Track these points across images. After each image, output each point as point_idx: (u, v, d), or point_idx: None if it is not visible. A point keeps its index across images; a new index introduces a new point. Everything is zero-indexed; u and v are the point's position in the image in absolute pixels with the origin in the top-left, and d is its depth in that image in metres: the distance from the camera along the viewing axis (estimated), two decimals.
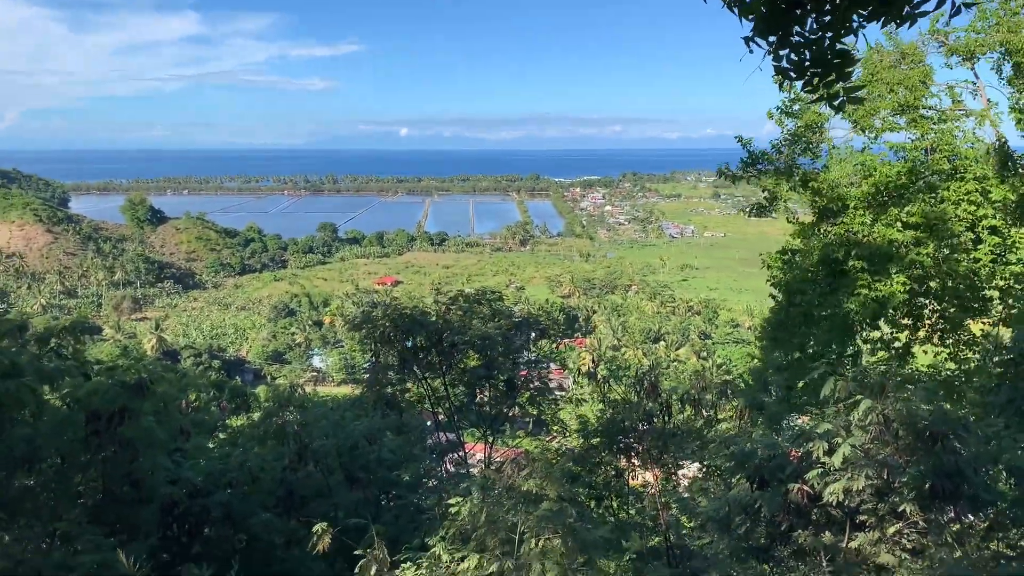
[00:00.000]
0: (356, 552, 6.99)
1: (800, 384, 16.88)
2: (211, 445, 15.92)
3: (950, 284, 16.66)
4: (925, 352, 18.32)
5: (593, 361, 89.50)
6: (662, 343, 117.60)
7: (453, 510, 7.38)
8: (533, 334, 20.15)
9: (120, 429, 10.33)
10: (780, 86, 17.65)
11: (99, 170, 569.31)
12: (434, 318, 18.63)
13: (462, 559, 6.44)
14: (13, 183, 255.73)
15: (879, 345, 17.72)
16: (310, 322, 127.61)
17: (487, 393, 19.36)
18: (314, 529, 7.62)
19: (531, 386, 19.57)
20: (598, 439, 15.11)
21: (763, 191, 18.86)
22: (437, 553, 6.64)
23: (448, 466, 17.25)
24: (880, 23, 4.60)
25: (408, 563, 6.73)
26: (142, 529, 11.02)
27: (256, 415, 21.01)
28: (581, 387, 73.29)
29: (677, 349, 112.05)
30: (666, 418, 14.94)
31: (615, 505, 15.35)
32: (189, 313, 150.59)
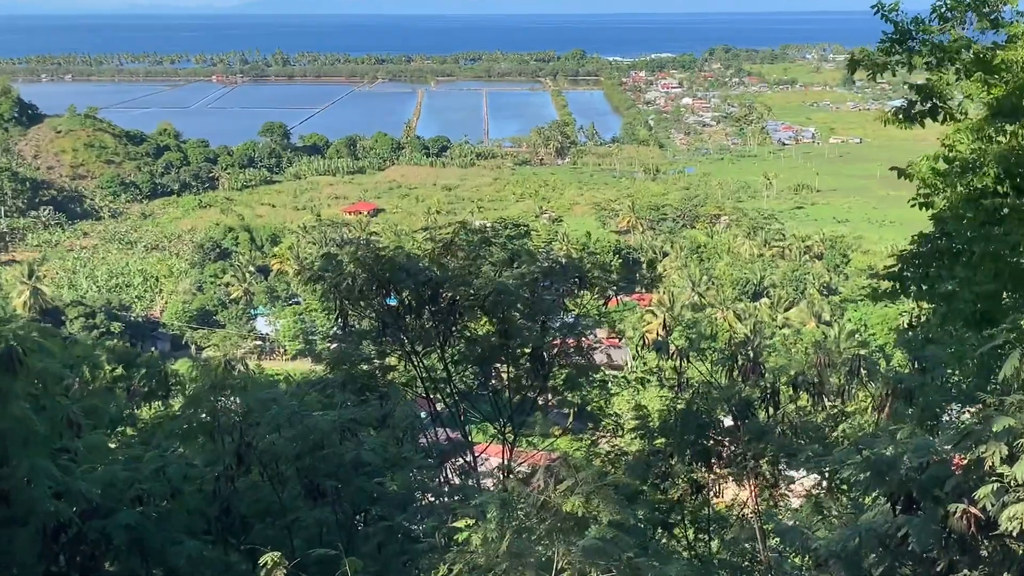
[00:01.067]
0: None
1: (967, 360, 16.71)
2: (113, 444, 16.18)
3: None
4: None
5: (663, 326, 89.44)
6: (765, 300, 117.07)
7: (461, 537, 7.49)
8: (573, 286, 20.06)
9: None
10: None
11: None
12: (426, 264, 18.60)
13: None
14: None
15: None
16: (251, 268, 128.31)
17: (505, 372, 19.41)
18: (262, 560, 7.77)
19: (569, 362, 19.59)
20: (667, 440, 15.17)
21: (911, 87, 18.37)
22: None
23: (451, 474, 17.37)
24: None
25: None
26: (16, 561, 11.24)
27: (178, 402, 21.30)
28: (644, 364, 73.50)
29: (787, 310, 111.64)
30: (771, 409, 14.99)
31: (691, 534, 15.50)
32: (76, 254, 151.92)
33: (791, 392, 15.70)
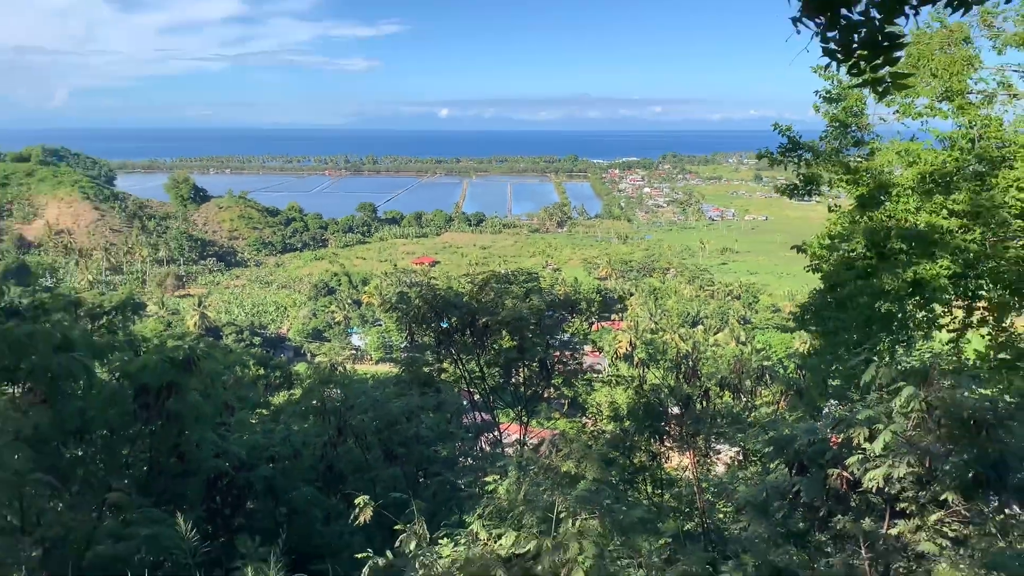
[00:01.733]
0: (396, 527, 7.10)
1: (839, 370, 16.68)
2: (254, 421, 16.24)
3: (999, 270, 16.26)
4: (969, 341, 17.97)
5: (630, 344, 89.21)
6: (700, 327, 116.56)
7: (490, 488, 7.46)
8: (567, 315, 20.16)
9: (167, 403, 10.60)
10: (824, 69, 17.34)
11: (144, 148, 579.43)
12: (467, 299, 18.75)
13: (500, 536, 6.51)
14: (62, 161, 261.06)
15: (921, 331, 17.43)
16: (349, 301, 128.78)
17: (521, 374, 19.45)
18: (356, 501, 7.76)
19: (565, 367, 19.62)
20: (632, 423, 15.10)
21: (798, 176, 18.65)
22: (475, 530, 6.72)
23: (484, 445, 17.38)
24: (933, 4, 4.50)
25: (446, 539, 6.82)
26: (188, 500, 11.30)
27: (298, 392, 21.35)
28: (617, 369, 73.12)
29: (716, 334, 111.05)
30: (704, 402, 14.88)
31: (649, 489, 15.37)
32: (231, 291, 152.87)
33: (719, 390, 15.65)
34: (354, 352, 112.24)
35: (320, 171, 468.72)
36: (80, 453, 11.16)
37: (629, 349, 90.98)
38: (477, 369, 19.25)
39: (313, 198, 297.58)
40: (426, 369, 18.90)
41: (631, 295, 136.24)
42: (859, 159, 18.01)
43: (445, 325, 19.06)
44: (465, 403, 19.51)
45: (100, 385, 10.98)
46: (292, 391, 23.50)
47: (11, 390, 11.23)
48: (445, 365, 19.42)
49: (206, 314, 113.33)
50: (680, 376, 15.48)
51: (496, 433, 18.46)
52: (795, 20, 4.71)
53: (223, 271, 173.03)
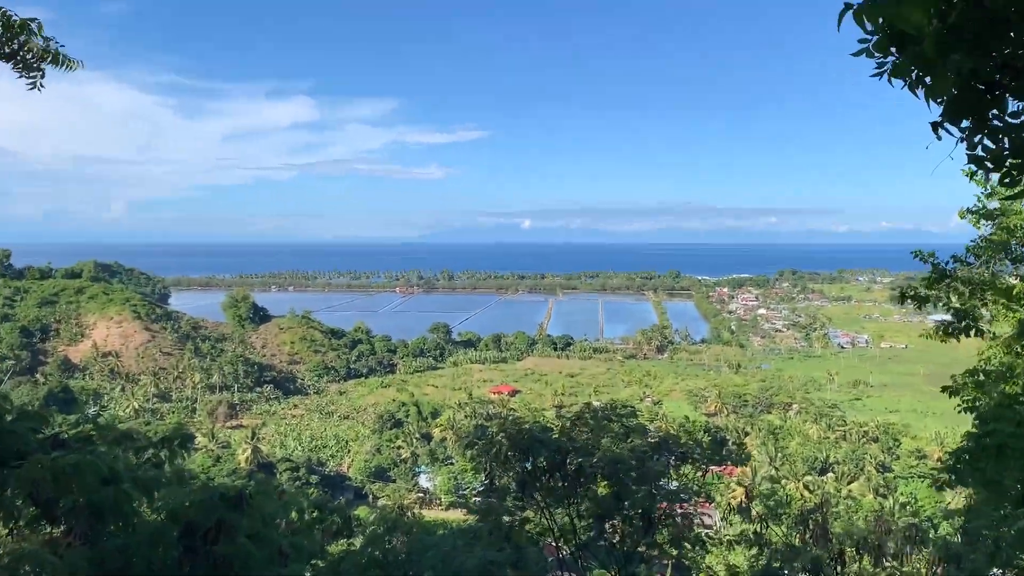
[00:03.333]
0: None
1: (1008, 532, 15.68)
2: (307, 574, 16.19)
3: None
4: None
5: (746, 495, 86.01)
6: (831, 475, 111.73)
7: None
8: (673, 458, 19.71)
9: (215, 546, 10.75)
10: (971, 176, 17.14)
11: (202, 263, 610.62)
12: (557, 436, 18.57)
13: None
14: (115, 277, 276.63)
15: None
16: (418, 435, 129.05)
17: (619, 527, 18.94)
18: None
19: (672, 521, 19.01)
20: None
21: (950, 311, 17.91)
22: None
23: None
24: None
25: None
26: None
27: (358, 541, 21.28)
28: (731, 525, 70.40)
29: (849, 483, 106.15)
30: (839, 568, 14.18)
31: None
32: (288, 421, 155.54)
33: (855, 553, 14.87)
34: (422, 495, 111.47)
35: (390, 288, 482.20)
36: None
37: (745, 501, 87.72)
38: (567, 520, 18.87)
39: (382, 318, 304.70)
40: (506, 518, 18.64)
41: (746, 435, 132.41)
42: (1020, 280, 17.43)
43: (529, 466, 18.88)
44: (551, 559, 19.04)
45: (144, 523, 11.25)
46: (351, 540, 23.41)
47: (49, 530, 11.61)
48: (528, 514, 19.12)
49: (259, 448, 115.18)
50: (808, 535, 14.84)
51: None
52: (936, 125, 4.77)
53: (280, 399, 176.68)
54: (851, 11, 4.73)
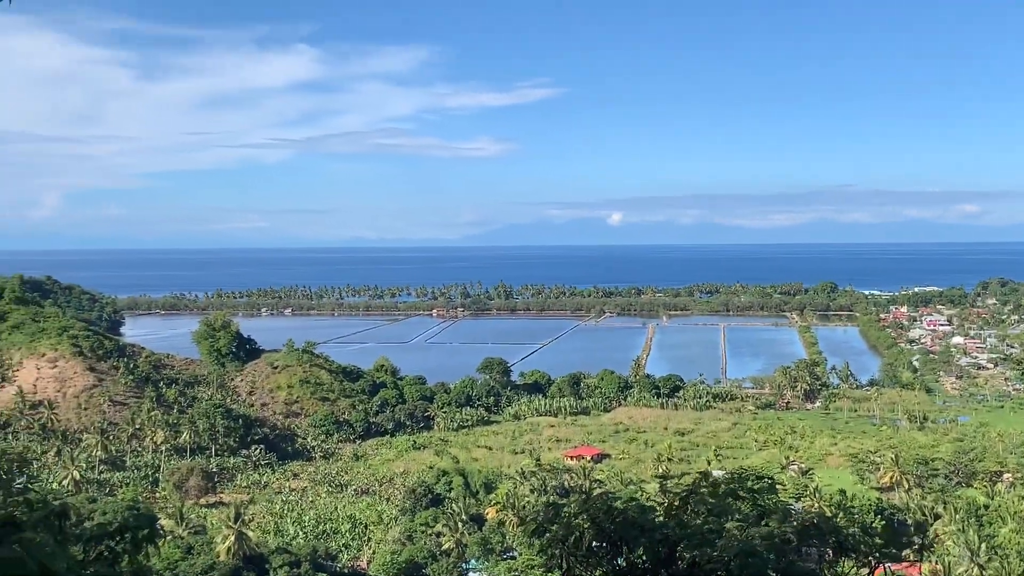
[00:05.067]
0: None
1: None
2: None
3: None
4: None
5: None
6: None
7: None
8: (828, 551, 19.35)
9: None
10: None
11: (167, 278, 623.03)
12: (662, 519, 18.33)
13: None
14: (47, 298, 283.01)
15: None
16: (465, 517, 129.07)
17: None
18: None
19: None
20: None
21: None
22: None
23: None
24: None
25: None
26: None
27: None
28: None
29: None
30: None
31: None
32: (285, 496, 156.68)
33: None
34: None
35: (424, 311, 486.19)
36: None
37: None
38: None
39: (413, 353, 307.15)
40: None
41: (936, 518, 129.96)
42: None
43: (623, 562, 18.70)
44: None
45: None
46: None
47: None
48: None
49: (246, 534, 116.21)
50: None
51: None
52: None
53: (274, 465, 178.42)
54: None
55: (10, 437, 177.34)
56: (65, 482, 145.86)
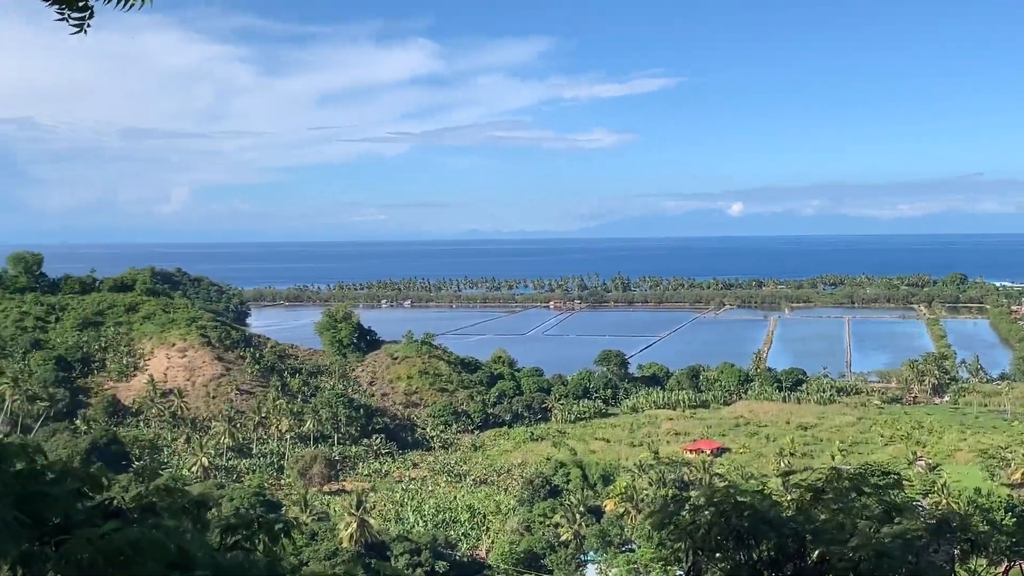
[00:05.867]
0: None
1: None
2: None
3: None
4: None
5: None
6: None
7: None
8: (959, 549, 18.93)
9: None
10: None
11: (291, 270, 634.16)
12: (788, 515, 18.07)
13: None
14: (177, 289, 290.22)
15: None
16: (583, 508, 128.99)
17: None
18: None
19: None
20: None
21: None
22: None
23: None
24: None
25: None
26: None
27: None
28: None
29: None
30: None
31: None
32: (404, 485, 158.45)
33: None
34: None
35: (542, 303, 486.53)
36: None
37: None
38: None
39: (530, 344, 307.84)
40: None
41: None
42: None
43: (749, 556, 18.50)
44: None
45: None
46: None
47: None
48: None
49: (367, 522, 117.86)
50: None
51: None
52: None
53: (395, 455, 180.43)
54: None
55: (142, 424, 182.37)
56: (194, 468, 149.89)
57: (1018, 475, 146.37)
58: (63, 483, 12.91)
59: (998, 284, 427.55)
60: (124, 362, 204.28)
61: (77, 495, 12.73)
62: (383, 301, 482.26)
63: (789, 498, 18.62)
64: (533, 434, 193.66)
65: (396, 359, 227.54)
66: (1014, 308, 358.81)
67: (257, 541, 12.41)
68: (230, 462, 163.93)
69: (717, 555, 18.34)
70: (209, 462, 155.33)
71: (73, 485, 12.93)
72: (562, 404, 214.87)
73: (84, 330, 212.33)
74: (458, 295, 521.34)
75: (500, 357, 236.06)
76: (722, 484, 19.15)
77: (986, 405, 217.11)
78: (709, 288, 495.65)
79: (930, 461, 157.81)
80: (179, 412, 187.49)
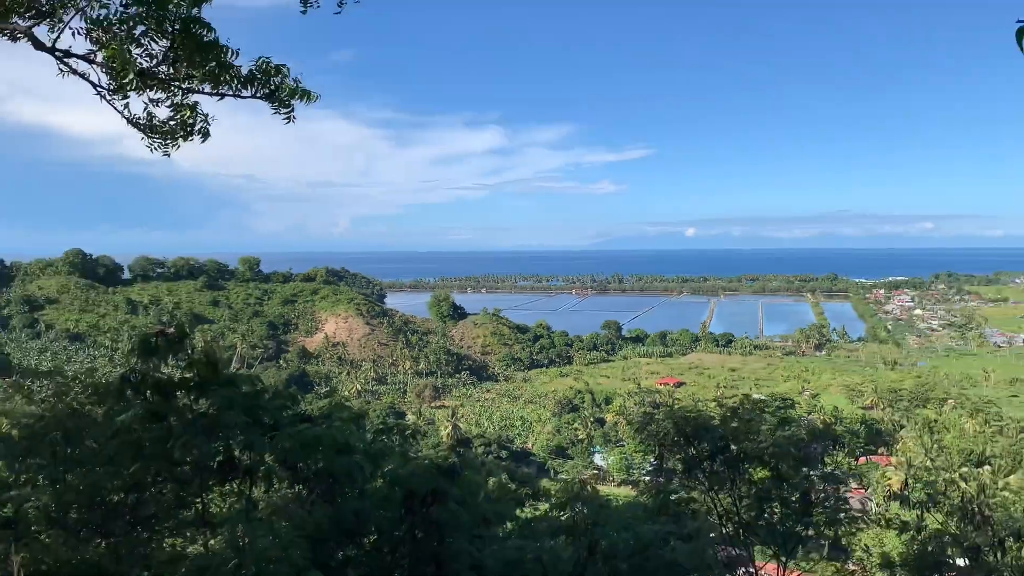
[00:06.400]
0: None
1: None
2: (500, 533, 16.60)
3: None
4: None
5: (903, 482, 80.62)
6: (987, 468, 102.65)
7: None
8: (829, 445, 18.86)
9: (431, 510, 11.26)
10: None
11: (411, 269, 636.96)
12: (718, 424, 18.14)
13: None
14: (341, 280, 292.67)
15: None
16: (592, 419, 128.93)
17: (778, 509, 18.28)
18: None
19: (828, 504, 18.17)
20: (905, 572, 13.58)
21: None
22: None
23: None
24: None
25: None
26: None
27: (543, 508, 21.62)
28: (886, 511, 66.07)
29: (1007, 476, 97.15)
30: (999, 555, 13.10)
31: None
32: (482, 403, 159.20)
33: (1015, 543, 13.69)
34: (596, 472, 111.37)
35: (567, 290, 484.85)
36: (352, 553, 12.06)
37: (901, 488, 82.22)
38: (729, 500, 18.41)
39: (560, 316, 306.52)
40: (673, 497, 18.40)
41: (901, 427, 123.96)
42: None
43: (694, 451, 18.54)
44: (712, 535, 18.59)
45: (373, 489, 11.93)
46: (537, 506, 23.77)
47: (296, 490, 12.52)
48: (694, 494, 18.78)
49: (458, 425, 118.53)
50: (967, 523, 13.79)
51: (752, 569, 17.36)
52: None
53: (475, 384, 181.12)
54: None
55: (320, 364, 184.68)
56: (352, 391, 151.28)
57: (868, 402, 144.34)
58: (274, 399, 13.33)
59: (857, 280, 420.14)
60: (309, 326, 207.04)
61: (282, 407, 13.14)
62: (468, 289, 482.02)
63: (719, 413, 18.67)
64: (561, 372, 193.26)
65: (476, 324, 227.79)
66: (867, 296, 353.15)
67: (392, 437, 12.81)
68: (373, 388, 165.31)
69: (674, 449, 18.49)
70: (360, 388, 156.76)
71: (279, 401, 13.33)
72: (579, 354, 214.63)
73: (284, 305, 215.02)
74: (516, 285, 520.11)
75: (541, 324, 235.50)
76: (677, 406, 19.20)
77: (849, 357, 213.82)
78: (672, 282, 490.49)
79: (812, 392, 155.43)
80: (342, 356, 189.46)
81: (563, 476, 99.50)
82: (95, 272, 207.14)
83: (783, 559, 17.93)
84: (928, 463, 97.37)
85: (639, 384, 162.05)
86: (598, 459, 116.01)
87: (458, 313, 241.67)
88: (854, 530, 19.34)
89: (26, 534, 10.93)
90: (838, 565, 19.87)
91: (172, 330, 11.19)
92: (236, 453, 11.42)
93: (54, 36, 7.33)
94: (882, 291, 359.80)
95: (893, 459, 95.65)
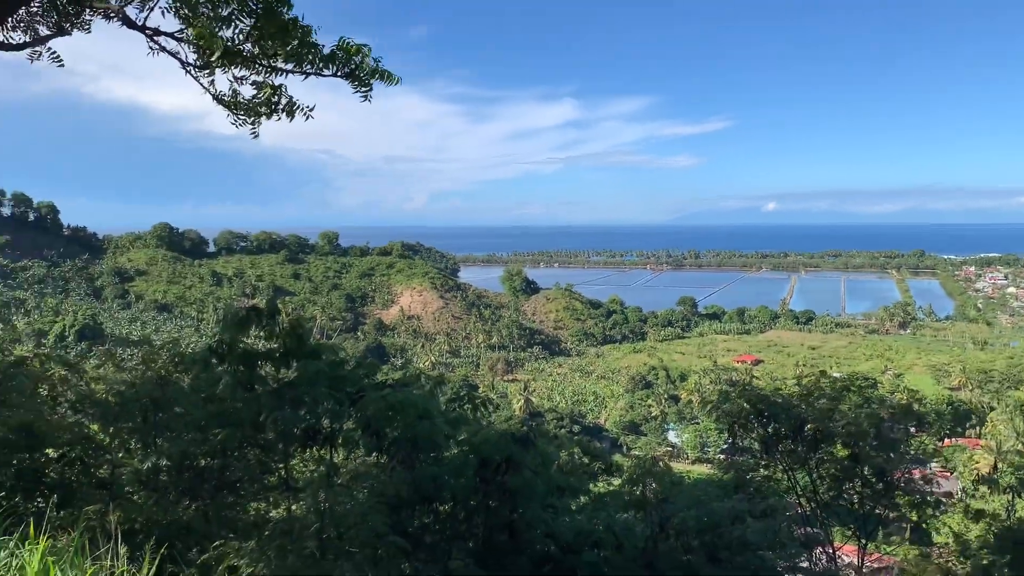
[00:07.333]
0: None
1: None
2: (572, 507, 16.78)
3: None
4: None
5: (992, 466, 77.62)
6: None
7: None
8: (912, 427, 18.39)
9: (505, 478, 11.48)
10: None
11: (484, 244, 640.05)
12: (796, 403, 17.85)
13: None
14: (416, 255, 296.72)
15: None
16: (666, 396, 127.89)
17: (858, 489, 17.96)
18: None
19: (910, 487, 17.76)
20: (989, 559, 13.18)
21: None
22: None
23: (817, 561, 16.17)
24: None
25: None
26: None
27: (616, 483, 21.69)
28: (974, 495, 63.96)
29: None
30: None
31: None
32: (554, 378, 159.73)
33: None
34: (670, 449, 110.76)
35: (642, 266, 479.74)
36: (428, 520, 12.41)
37: (990, 472, 79.20)
38: (807, 480, 18.16)
39: (634, 292, 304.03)
40: (749, 475, 18.27)
41: (991, 409, 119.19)
42: None
43: (770, 430, 18.32)
44: (789, 514, 18.35)
45: (450, 456, 12.23)
46: (610, 481, 23.85)
47: (377, 456, 12.91)
48: (770, 472, 18.60)
49: (531, 399, 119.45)
50: None
51: (830, 550, 17.12)
52: None
53: (547, 359, 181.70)
54: None
55: (395, 335, 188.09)
56: (426, 363, 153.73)
57: (956, 382, 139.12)
58: (355, 369, 13.76)
59: (945, 256, 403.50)
60: (385, 298, 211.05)
61: (362, 376, 13.55)
62: (541, 263, 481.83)
63: (796, 392, 18.40)
64: (635, 348, 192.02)
65: (549, 299, 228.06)
66: (956, 273, 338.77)
67: (466, 407, 13.07)
68: (447, 360, 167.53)
69: (747, 428, 18.30)
70: (435, 360, 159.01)
71: (360, 370, 13.75)
72: (654, 330, 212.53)
73: (362, 279, 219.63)
74: (588, 260, 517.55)
75: (614, 299, 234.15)
76: (752, 385, 18.99)
77: (936, 336, 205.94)
78: (751, 257, 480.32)
79: (896, 371, 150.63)
80: (417, 329, 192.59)
81: (636, 452, 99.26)
82: (181, 245, 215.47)
83: (862, 540, 17.64)
84: (1020, 447, 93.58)
85: (715, 361, 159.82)
86: (672, 436, 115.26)
87: (531, 288, 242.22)
88: (938, 514, 18.86)
89: (120, 493, 11.63)
90: (922, 549, 19.38)
91: (261, 304, 11.64)
92: (323, 422, 11.88)
93: (144, 15, 7.59)
94: (973, 268, 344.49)
95: (982, 442, 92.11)
